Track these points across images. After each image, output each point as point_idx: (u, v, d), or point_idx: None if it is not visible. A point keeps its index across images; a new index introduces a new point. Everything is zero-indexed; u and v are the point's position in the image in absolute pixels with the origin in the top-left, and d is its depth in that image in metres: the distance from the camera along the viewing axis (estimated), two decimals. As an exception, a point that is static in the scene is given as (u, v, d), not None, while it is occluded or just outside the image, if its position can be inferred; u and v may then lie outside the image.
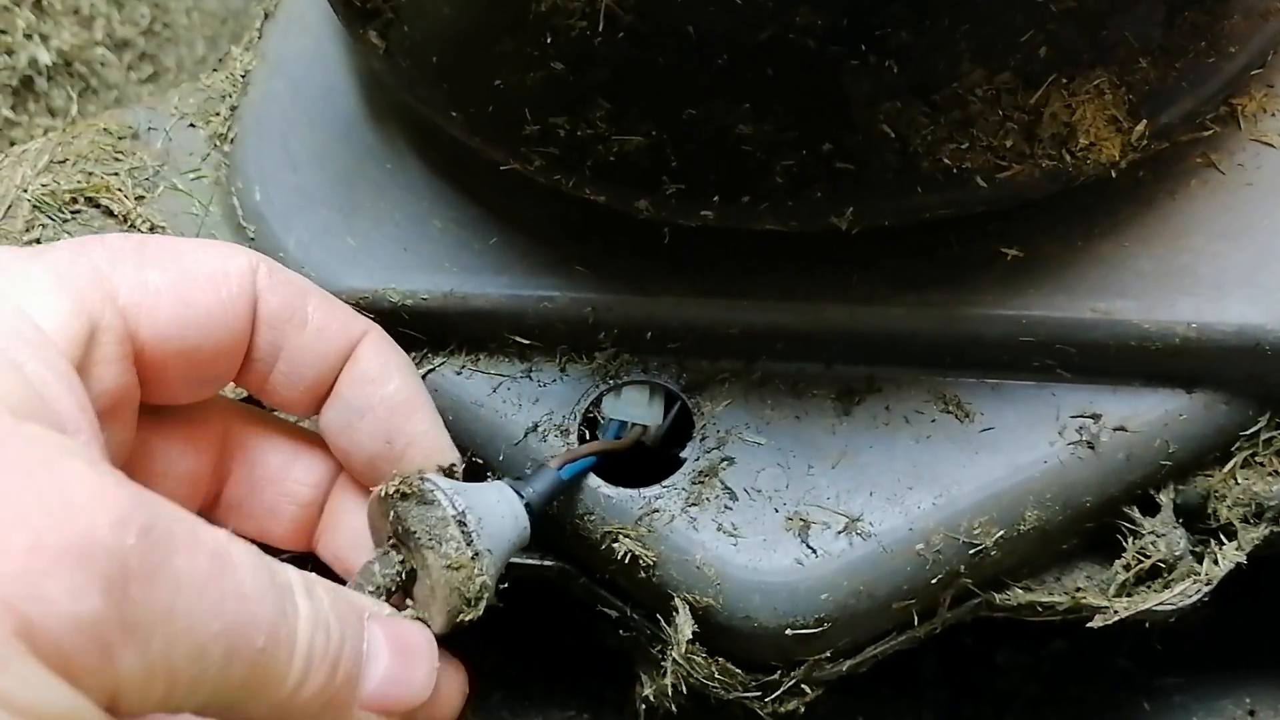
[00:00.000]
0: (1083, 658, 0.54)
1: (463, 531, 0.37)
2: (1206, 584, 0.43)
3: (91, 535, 0.26)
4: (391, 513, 0.38)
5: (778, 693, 0.43)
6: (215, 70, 0.53)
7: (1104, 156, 0.38)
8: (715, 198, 0.39)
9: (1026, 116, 0.38)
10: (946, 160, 0.38)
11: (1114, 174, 0.39)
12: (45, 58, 0.70)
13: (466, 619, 0.37)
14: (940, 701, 0.54)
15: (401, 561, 0.38)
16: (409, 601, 0.38)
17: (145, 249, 0.35)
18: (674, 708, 0.49)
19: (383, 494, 0.38)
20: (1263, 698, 0.52)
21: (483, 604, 0.37)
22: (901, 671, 0.54)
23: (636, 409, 0.44)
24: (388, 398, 0.39)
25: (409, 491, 0.37)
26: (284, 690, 0.30)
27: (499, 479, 0.42)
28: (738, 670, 0.42)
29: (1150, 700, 0.52)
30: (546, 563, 0.46)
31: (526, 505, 0.40)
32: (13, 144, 0.58)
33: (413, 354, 0.45)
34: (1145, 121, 0.38)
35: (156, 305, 0.34)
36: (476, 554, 0.37)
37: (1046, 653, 0.55)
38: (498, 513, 0.38)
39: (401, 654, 0.34)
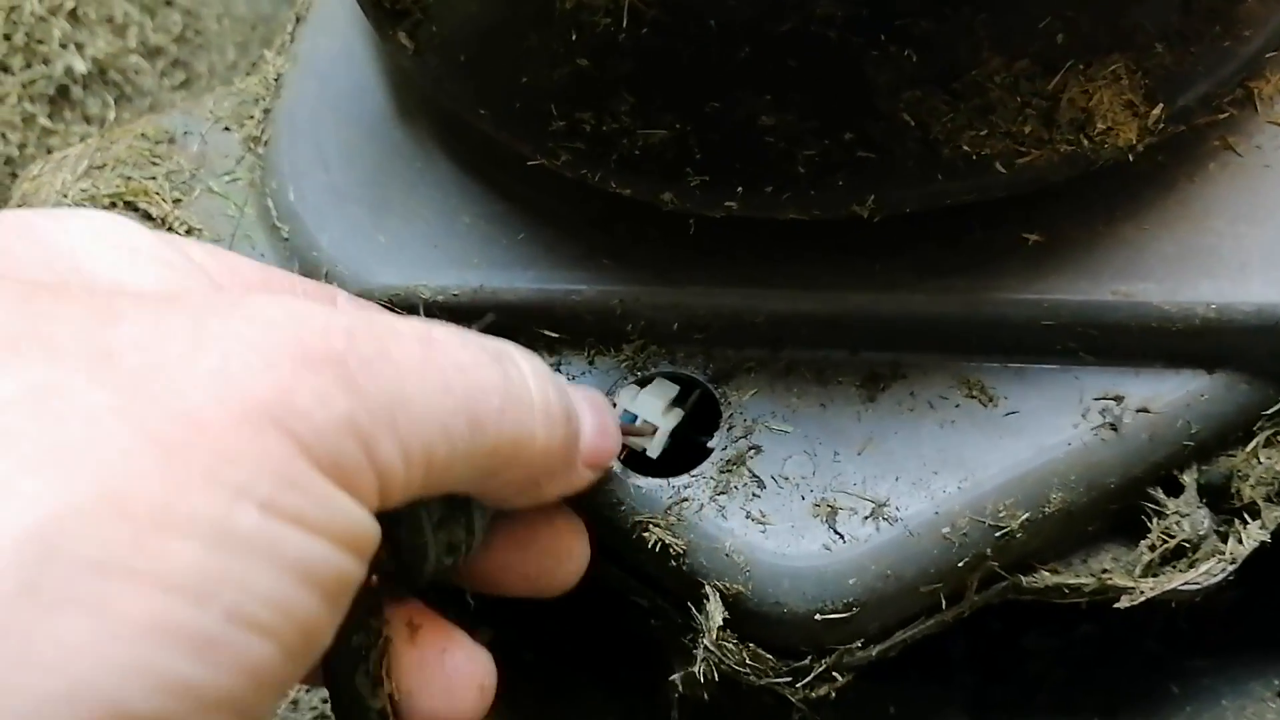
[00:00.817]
0: (1111, 641, 0.55)
1: None
2: (1231, 563, 0.43)
3: (305, 346, 0.26)
4: None
5: (808, 679, 0.43)
6: (248, 74, 0.54)
7: (1121, 140, 0.38)
8: (739, 188, 0.40)
9: (1045, 103, 0.39)
10: (966, 147, 0.39)
11: (1132, 158, 0.39)
12: (81, 66, 0.71)
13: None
14: (969, 686, 0.54)
15: None
16: None
17: None
18: (706, 696, 0.50)
19: None
20: (1291, 678, 0.52)
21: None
22: (930, 656, 0.55)
23: (649, 412, 0.44)
24: None
25: None
26: (535, 446, 0.32)
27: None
28: (768, 656, 0.42)
29: (1179, 683, 0.53)
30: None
31: None
32: (50, 151, 0.59)
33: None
34: (1162, 105, 0.39)
35: None
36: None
37: (1075, 636, 0.55)
38: None
39: (595, 410, 0.37)
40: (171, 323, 0.26)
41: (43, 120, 0.69)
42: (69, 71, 0.71)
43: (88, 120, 0.73)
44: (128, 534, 0.23)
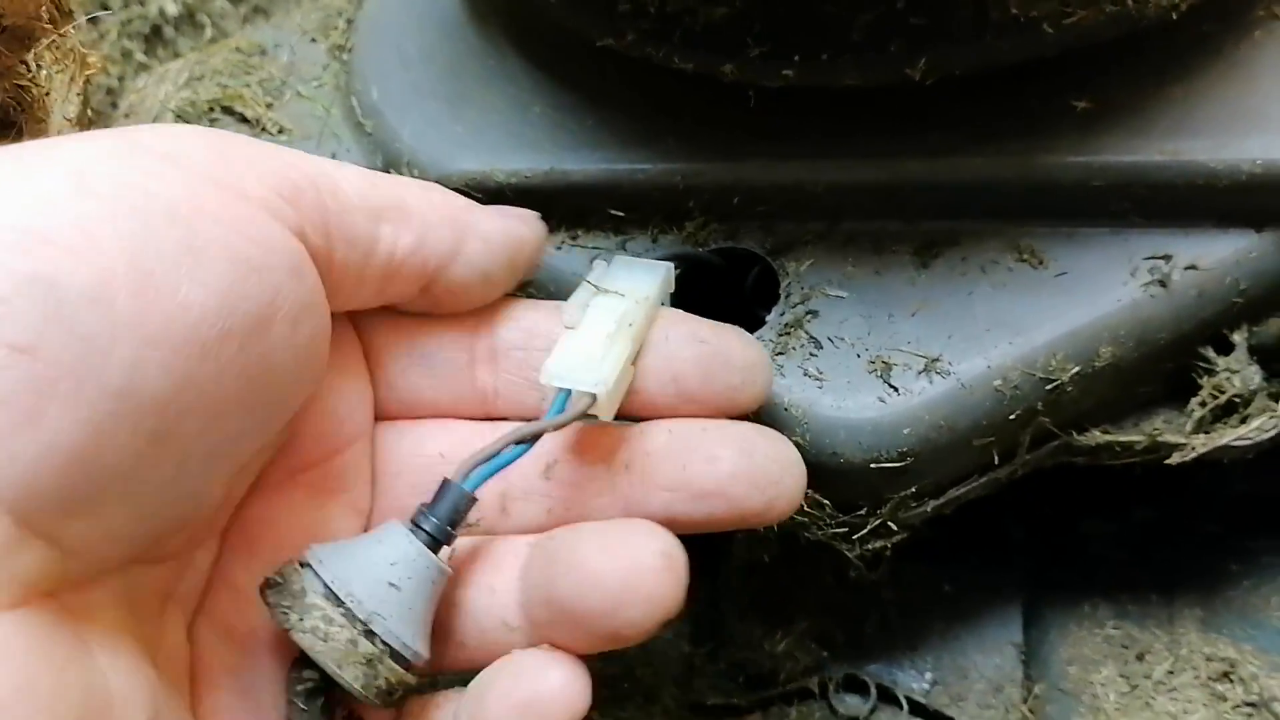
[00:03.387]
0: (1169, 524, 0.56)
1: (340, 609, 0.33)
2: (1284, 420, 0.45)
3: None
4: (273, 614, 0.34)
5: (864, 530, 0.45)
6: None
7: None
8: (796, 57, 0.42)
9: (1091, -37, 0.40)
10: (1015, 9, 0.40)
11: (1176, 16, 0.40)
12: (172, 9, 0.76)
13: (399, 690, 0.34)
14: (1025, 568, 0.55)
15: (313, 669, 0.34)
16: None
17: None
18: (766, 557, 0.53)
19: (260, 592, 0.34)
20: (1352, 555, 0.53)
21: (405, 675, 0.34)
22: (987, 538, 0.57)
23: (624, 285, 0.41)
24: None
25: (276, 581, 0.34)
26: (424, 195, 0.39)
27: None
28: (825, 502, 0.44)
29: (1239, 561, 0.54)
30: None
31: (431, 537, 0.35)
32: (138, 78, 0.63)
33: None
34: (1206, -39, 0.40)
35: None
36: (367, 630, 0.33)
37: (1132, 520, 0.56)
38: (376, 574, 0.34)
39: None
40: None
41: (139, 56, 0.74)
42: (162, 13, 0.76)
43: (178, 57, 0.77)
44: None
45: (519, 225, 0.40)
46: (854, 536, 0.46)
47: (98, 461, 0.28)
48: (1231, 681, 0.49)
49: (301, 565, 0.34)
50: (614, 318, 0.39)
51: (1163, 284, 0.43)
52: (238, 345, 0.30)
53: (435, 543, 0.35)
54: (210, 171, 0.31)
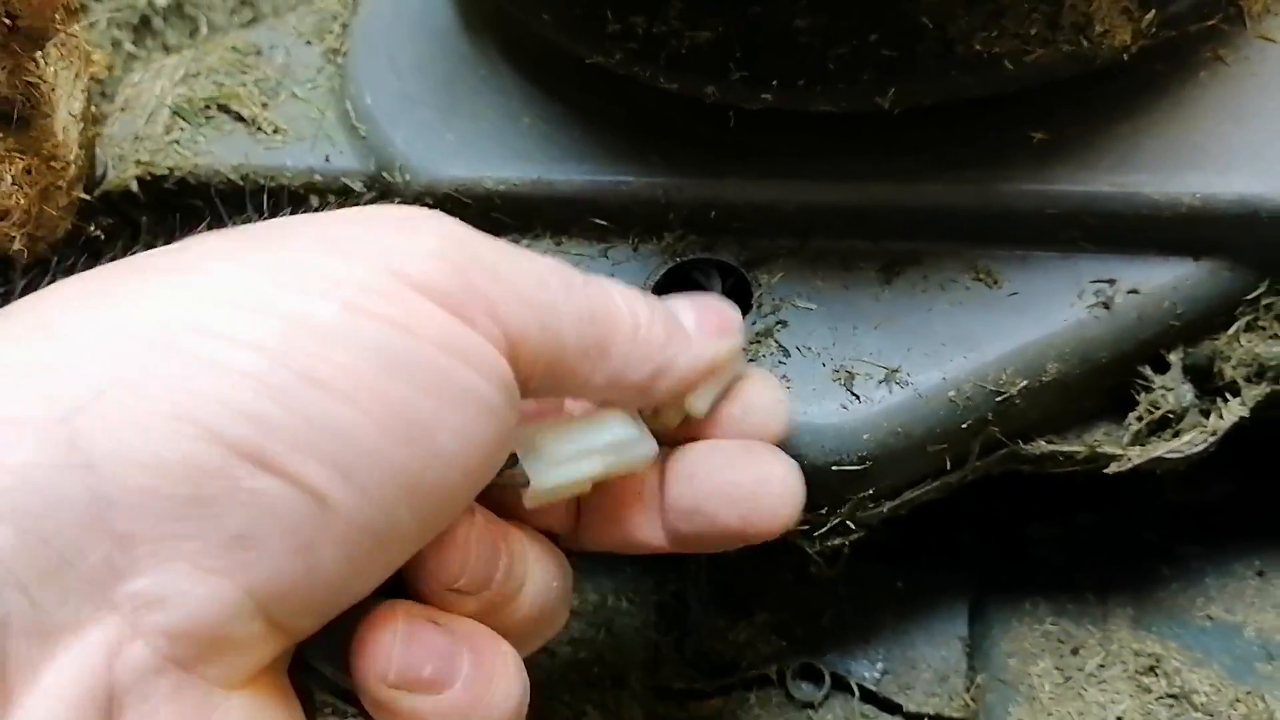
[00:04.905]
0: (1109, 530, 0.59)
1: None
2: (1212, 435, 0.48)
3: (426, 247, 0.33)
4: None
5: (825, 529, 0.48)
6: (319, -1, 0.60)
7: (1117, 41, 0.43)
8: (774, 82, 0.45)
9: (1049, 7, 0.43)
10: (979, 46, 0.44)
11: (1127, 58, 0.44)
12: (161, 0, 0.77)
13: None
14: (974, 568, 0.59)
15: None
16: None
17: None
18: (730, 554, 0.55)
19: None
20: (1271, 561, 0.57)
21: None
22: (940, 541, 0.60)
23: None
24: None
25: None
26: (622, 323, 0.37)
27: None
28: None
29: (1169, 565, 0.57)
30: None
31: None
32: (133, 72, 0.65)
33: (503, 237, 0.52)
34: (1155, 11, 0.43)
35: None
36: None
37: (1075, 525, 0.60)
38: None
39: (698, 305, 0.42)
40: None
41: (128, 46, 0.75)
42: (151, 4, 0.77)
43: (166, 49, 0.79)
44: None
45: (718, 347, 0.41)
46: (814, 534, 0.49)
47: (345, 587, 0.32)
48: (1156, 675, 0.53)
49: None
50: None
51: (1106, 306, 0.47)
52: (473, 484, 0.34)
53: None
54: (458, 305, 0.32)
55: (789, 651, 0.56)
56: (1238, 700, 0.51)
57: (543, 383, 0.35)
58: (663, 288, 0.50)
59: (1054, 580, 0.58)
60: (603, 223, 0.51)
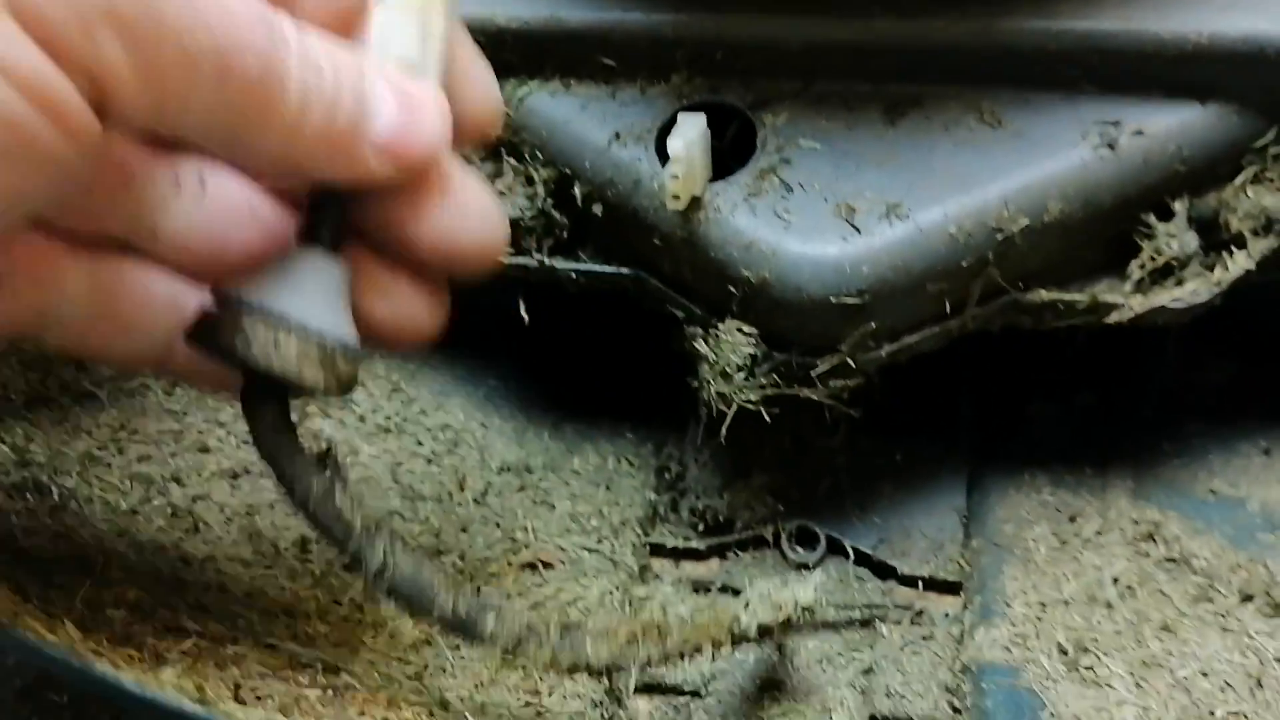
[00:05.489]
0: (1110, 408, 0.59)
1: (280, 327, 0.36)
2: (1217, 286, 0.48)
3: None
4: (215, 350, 0.37)
5: (825, 368, 0.48)
6: None
7: None
8: (780, -86, 0.45)
9: None
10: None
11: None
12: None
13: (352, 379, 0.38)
14: (974, 444, 0.59)
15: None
16: None
17: None
18: (729, 418, 0.55)
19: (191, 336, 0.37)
20: (1278, 439, 0.56)
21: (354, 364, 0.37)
22: (939, 417, 0.60)
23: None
24: None
25: (206, 319, 0.37)
26: (281, 123, 0.32)
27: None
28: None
29: (1171, 442, 0.57)
30: (623, 270, 0.53)
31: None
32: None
33: (512, 79, 0.52)
34: None
35: None
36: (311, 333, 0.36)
37: (1075, 404, 0.59)
38: (301, 288, 0.36)
39: (407, 106, 0.35)
40: None
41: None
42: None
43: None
44: None
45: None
46: (814, 374, 0.49)
47: None
48: (1155, 541, 0.52)
49: (227, 300, 0.36)
50: None
51: (1111, 147, 0.46)
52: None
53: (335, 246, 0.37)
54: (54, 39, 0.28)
55: (785, 516, 0.56)
56: (1238, 566, 0.50)
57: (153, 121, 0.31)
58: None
59: (1053, 454, 0.58)
60: (610, 63, 0.51)
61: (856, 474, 0.58)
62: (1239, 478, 0.55)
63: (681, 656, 0.43)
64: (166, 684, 0.31)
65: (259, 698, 0.37)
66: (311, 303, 0.36)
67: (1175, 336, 0.50)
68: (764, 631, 0.45)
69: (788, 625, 0.45)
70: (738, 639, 0.44)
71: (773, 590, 0.45)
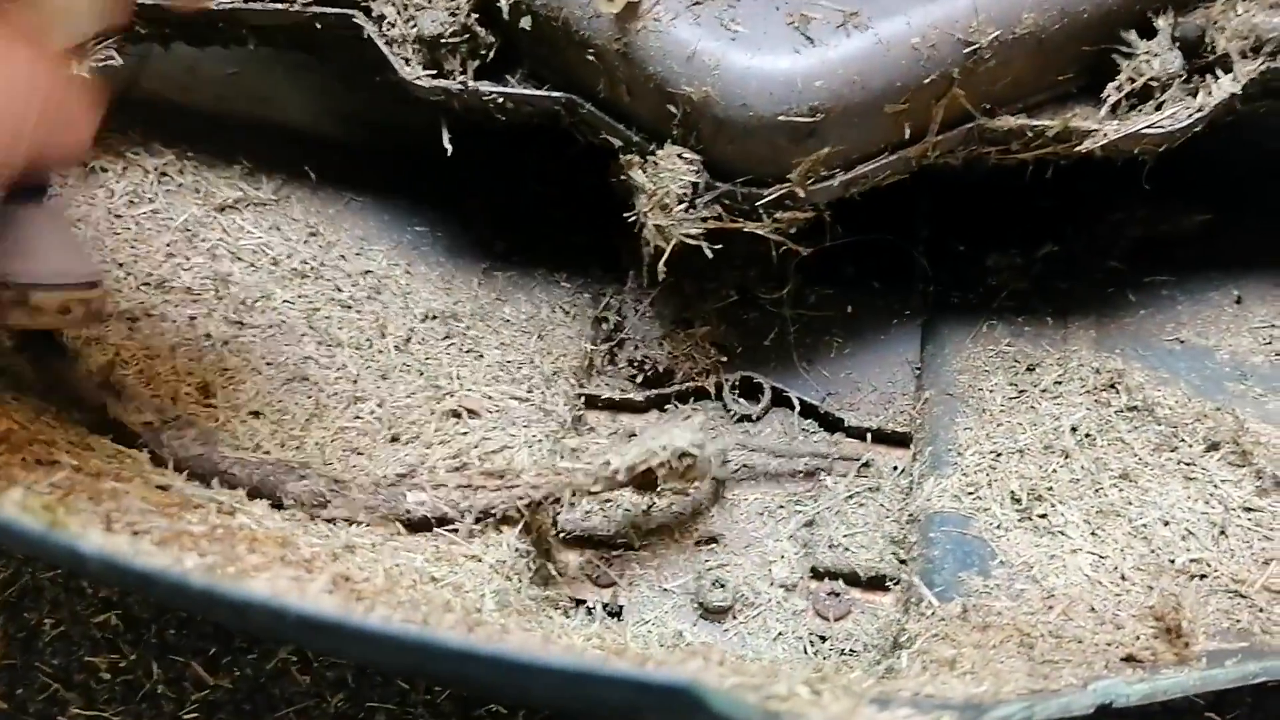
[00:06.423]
0: (1073, 260, 0.56)
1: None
2: (1199, 111, 0.44)
3: None
4: None
5: (770, 197, 0.44)
6: None
7: None
8: None
9: None
10: None
11: None
12: None
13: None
14: (929, 295, 0.55)
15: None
16: None
17: None
18: (664, 244, 0.51)
19: None
20: (1251, 288, 0.53)
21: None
22: (892, 269, 0.56)
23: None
24: None
25: None
26: None
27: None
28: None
29: (1137, 293, 0.54)
30: (555, 94, 0.48)
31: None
32: None
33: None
34: None
35: None
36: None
37: (1037, 256, 0.56)
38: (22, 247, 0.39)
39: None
40: None
41: None
42: None
43: None
44: None
45: None
46: (759, 204, 0.45)
47: None
48: (1117, 390, 0.50)
49: None
50: None
51: (1092, -50, 0.42)
52: None
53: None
54: None
55: (728, 367, 0.53)
56: (1204, 415, 0.48)
57: None
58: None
59: (1012, 305, 0.54)
60: None
61: (804, 326, 0.54)
62: (1208, 327, 0.52)
63: (540, 504, 0.42)
64: (7, 504, 0.28)
65: (136, 532, 0.33)
66: (45, 258, 0.38)
67: (1144, 182, 0.46)
68: (641, 478, 0.43)
69: (668, 470, 0.43)
70: (608, 483, 0.43)
71: (651, 435, 0.43)
